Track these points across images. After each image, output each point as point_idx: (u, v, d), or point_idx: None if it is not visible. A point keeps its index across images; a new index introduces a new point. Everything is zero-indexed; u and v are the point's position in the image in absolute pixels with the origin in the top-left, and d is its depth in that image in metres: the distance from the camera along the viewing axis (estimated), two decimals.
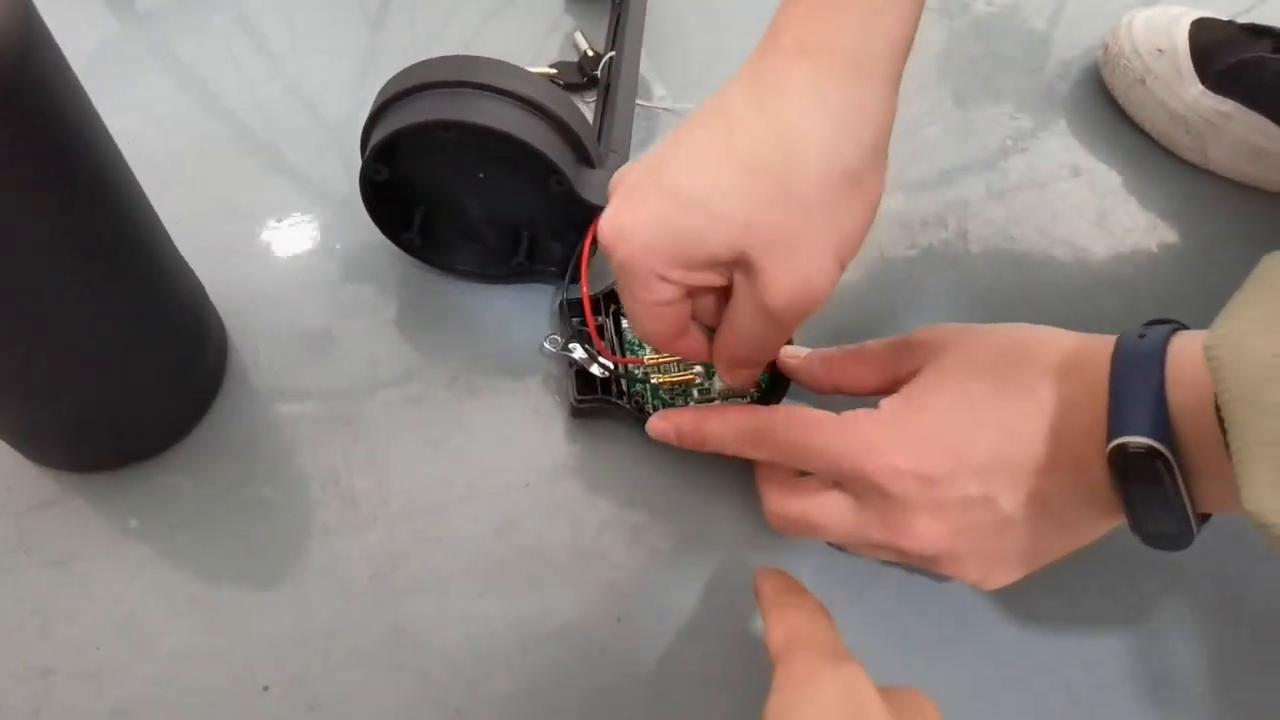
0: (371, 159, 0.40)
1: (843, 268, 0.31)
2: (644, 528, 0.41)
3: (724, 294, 0.34)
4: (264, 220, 0.48)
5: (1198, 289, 0.52)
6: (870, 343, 0.38)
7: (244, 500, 0.40)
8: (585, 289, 0.41)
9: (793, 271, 0.30)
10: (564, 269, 0.45)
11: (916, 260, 0.51)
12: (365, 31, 0.58)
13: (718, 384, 0.41)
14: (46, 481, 0.39)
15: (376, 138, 0.40)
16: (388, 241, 0.45)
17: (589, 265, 0.40)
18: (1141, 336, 0.30)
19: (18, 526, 0.38)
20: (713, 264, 0.31)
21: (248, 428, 0.42)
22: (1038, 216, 0.53)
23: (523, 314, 0.46)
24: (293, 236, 0.48)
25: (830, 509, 0.34)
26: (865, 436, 0.33)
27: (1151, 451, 0.28)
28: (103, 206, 0.32)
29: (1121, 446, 0.28)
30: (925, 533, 0.32)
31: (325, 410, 0.42)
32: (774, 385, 0.42)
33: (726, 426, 0.36)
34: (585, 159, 0.41)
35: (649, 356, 0.42)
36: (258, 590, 0.38)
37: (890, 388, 0.35)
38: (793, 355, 0.40)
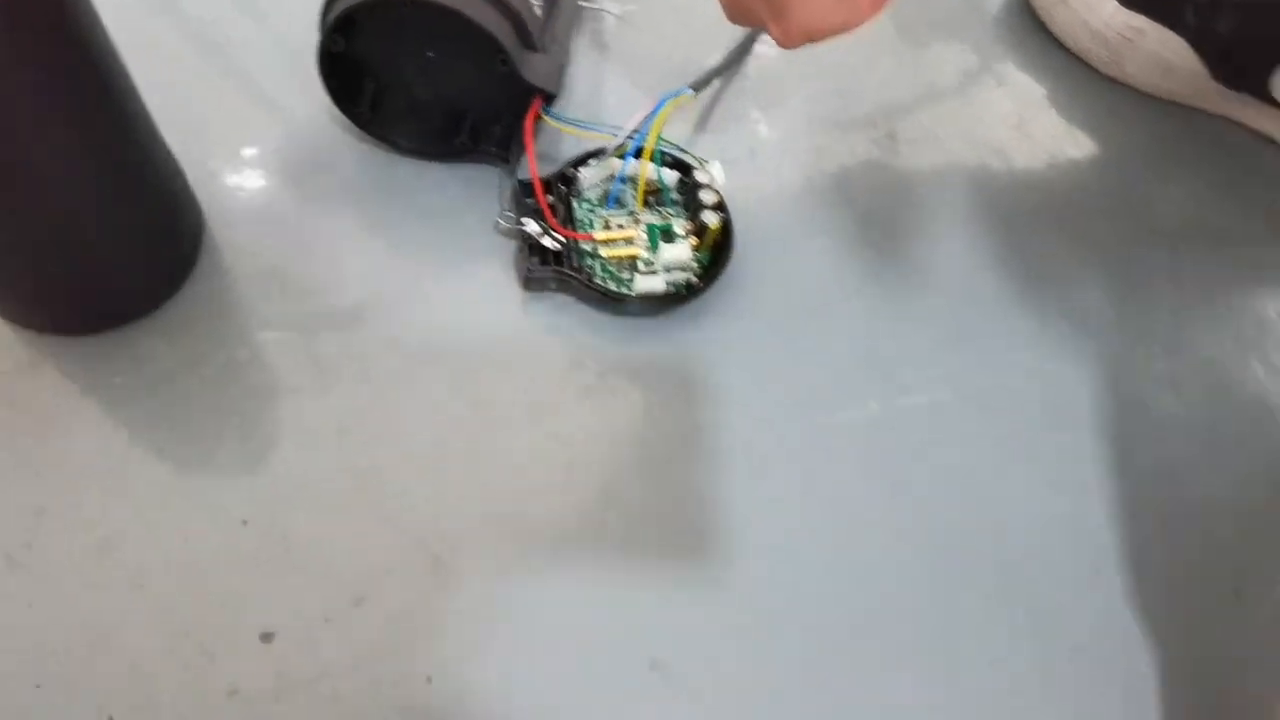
0: (330, 31, 0.43)
1: None
2: (591, 389, 0.44)
3: None
4: (225, 107, 0.51)
5: (1110, 189, 0.56)
6: None
7: (219, 362, 0.43)
8: (533, 166, 0.44)
9: None
10: (504, 149, 0.47)
11: (847, 158, 0.54)
12: None
13: (663, 256, 0.45)
14: (29, 344, 0.42)
15: (336, 11, 0.42)
16: (340, 126, 0.47)
17: (534, 142, 0.43)
18: None
19: (2, 385, 0.41)
20: None
21: (220, 300, 0.44)
22: (962, 121, 0.57)
23: (472, 195, 0.49)
24: (251, 120, 0.50)
25: None
26: None
27: None
28: (91, 65, 0.34)
29: None
30: None
31: (293, 284, 0.45)
32: (714, 261, 0.46)
33: None
34: (529, 43, 0.44)
35: (597, 234, 0.46)
36: (232, 442, 0.41)
37: None
38: None
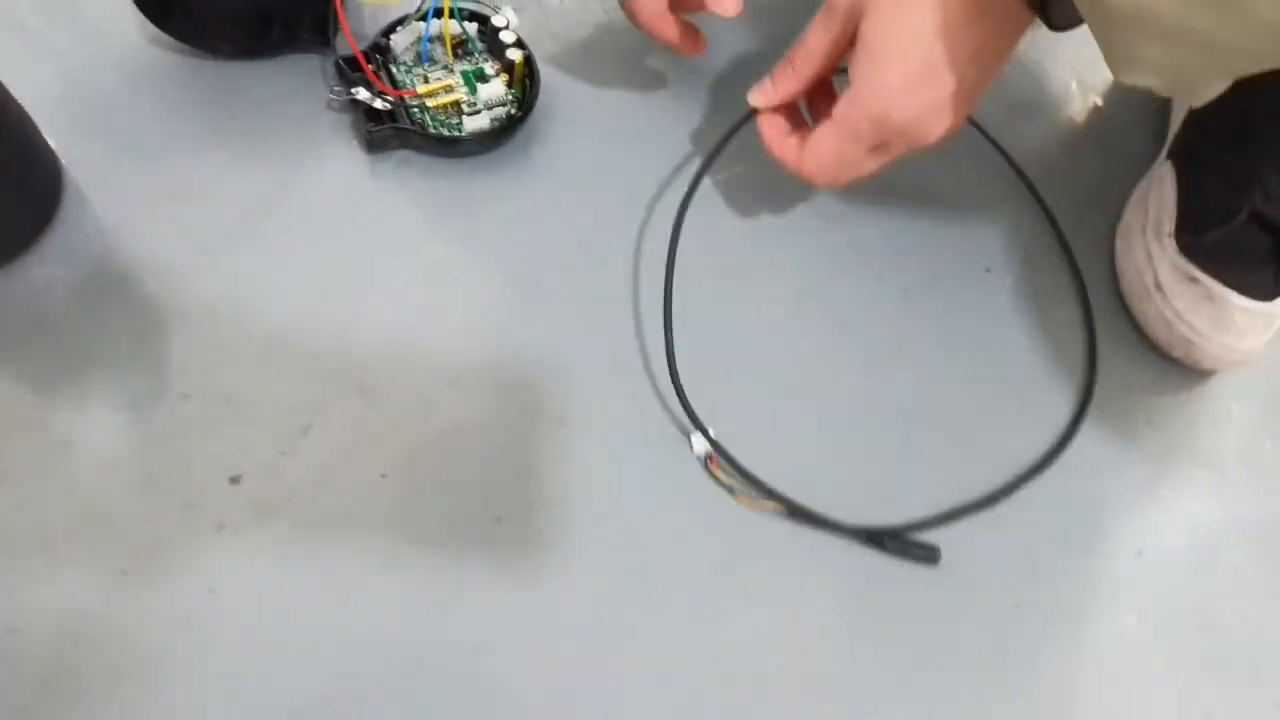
0: None
1: None
2: (447, 216, 0.51)
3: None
4: (48, 48, 0.53)
5: None
6: (801, 38, 0.44)
7: (115, 271, 0.47)
8: (351, 39, 0.49)
9: None
10: (318, 37, 0.52)
11: None
12: None
13: (481, 95, 0.52)
14: None
15: None
16: (161, 46, 0.51)
17: (345, 18, 0.49)
18: None
19: None
20: None
21: (96, 221, 0.49)
22: None
23: (297, 83, 0.54)
24: (77, 54, 0.53)
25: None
26: (877, 103, 0.41)
27: None
28: None
29: None
30: (937, 130, 0.41)
31: (159, 195, 0.50)
32: (526, 91, 0.53)
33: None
34: None
35: (421, 89, 0.52)
36: (151, 330, 0.46)
37: (843, 54, 0.43)
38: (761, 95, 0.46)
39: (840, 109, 0.42)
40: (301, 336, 0.47)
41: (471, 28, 0.54)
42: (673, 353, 0.47)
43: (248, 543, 0.43)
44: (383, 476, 0.45)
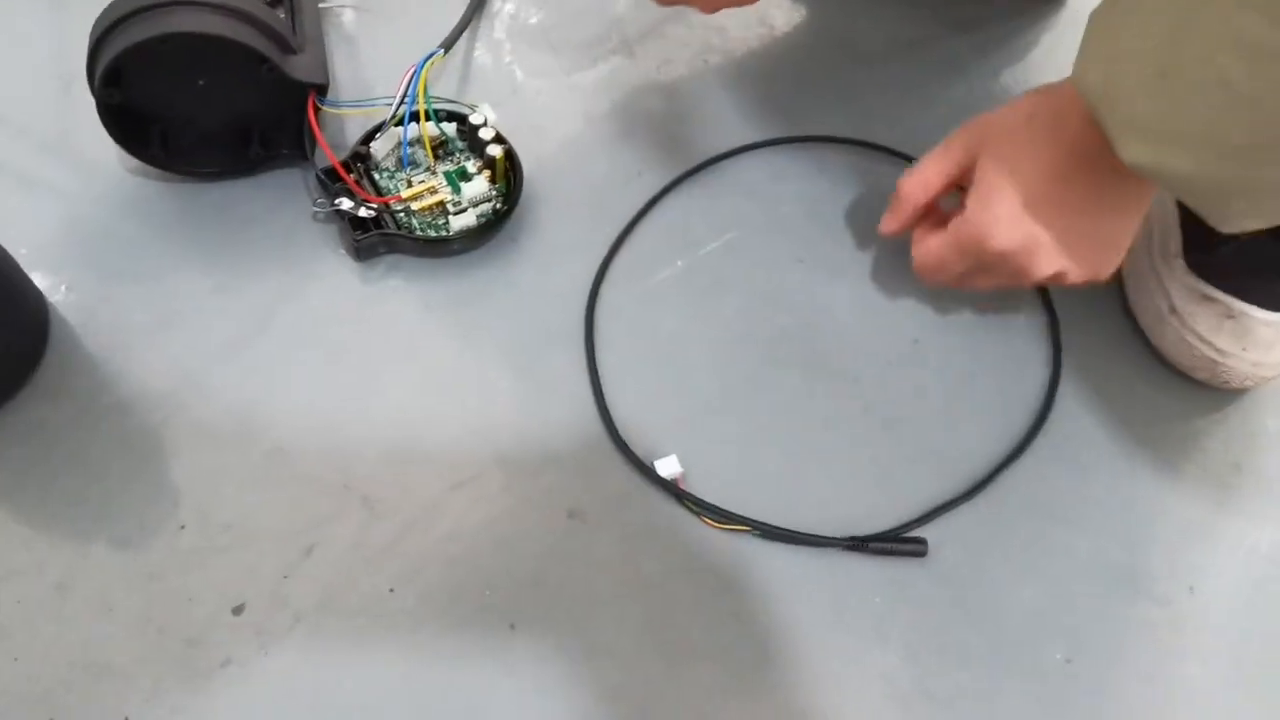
0: (102, 85, 0.46)
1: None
2: (442, 321, 0.50)
3: None
4: (27, 186, 0.53)
5: (817, 32, 0.66)
6: (916, 168, 0.47)
7: (105, 405, 0.47)
8: (328, 152, 0.49)
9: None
10: (297, 149, 0.52)
11: (595, 73, 0.62)
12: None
13: (466, 193, 0.51)
14: None
15: (101, 65, 0.46)
16: (143, 172, 0.51)
17: (319, 130, 0.49)
18: None
19: None
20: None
21: (84, 357, 0.48)
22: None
23: (282, 197, 0.54)
24: (57, 190, 0.53)
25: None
26: (978, 227, 0.43)
27: None
28: None
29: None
30: (1043, 267, 0.44)
31: (148, 323, 0.49)
32: (510, 186, 0.53)
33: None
34: (286, 47, 0.49)
35: (404, 193, 0.52)
36: (144, 463, 0.45)
37: (959, 180, 0.46)
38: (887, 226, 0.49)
39: (953, 224, 0.45)
40: (300, 454, 0.46)
41: (450, 128, 0.54)
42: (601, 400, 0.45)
43: (255, 677, 0.41)
44: (391, 591, 0.43)
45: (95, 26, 0.47)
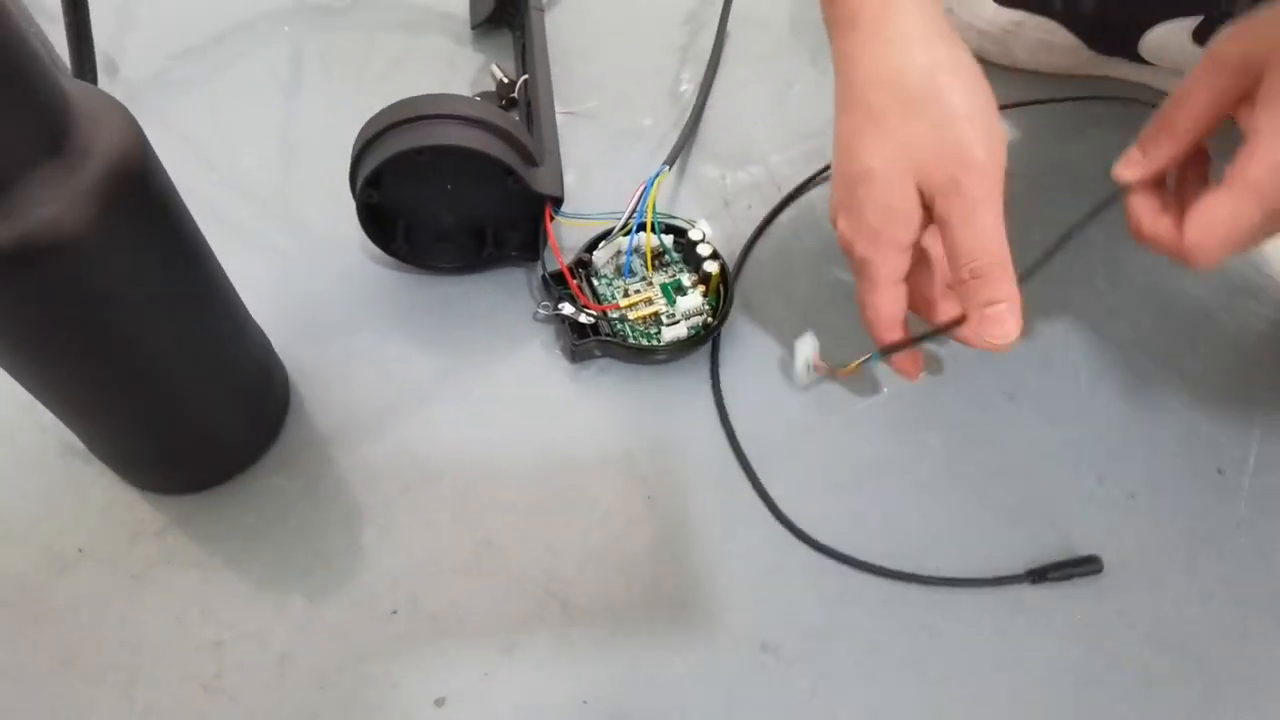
0: (364, 187, 0.50)
1: (997, 139, 0.38)
2: (646, 428, 0.52)
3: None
4: (271, 275, 0.58)
5: (1027, 162, 0.65)
6: (1180, 93, 0.38)
7: (332, 482, 0.49)
8: (560, 259, 0.51)
9: (963, 157, 0.37)
10: (526, 252, 0.55)
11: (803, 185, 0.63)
12: (282, 98, 0.68)
13: (680, 307, 0.53)
14: (167, 507, 0.48)
15: (365, 170, 0.50)
16: (379, 264, 0.55)
17: (554, 238, 0.51)
18: None
19: (159, 544, 0.47)
20: (913, 207, 0.39)
21: (318, 431, 0.51)
22: None
23: (507, 295, 0.56)
24: (301, 277, 0.57)
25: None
26: None
27: None
28: (198, 274, 0.42)
29: None
30: None
31: (378, 403, 0.52)
32: (721, 300, 0.54)
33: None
34: (530, 159, 0.52)
35: (622, 302, 0.53)
36: (365, 543, 0.48)
37: (1229, 112, 0.37)
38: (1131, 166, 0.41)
39: (1239, 168, 0.35)
40: (507, 550, 0.47)
41: (669, 239, 0.56)
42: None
43: None
44: (584, 703, 0.44)
45: (361, 134, 0.51)
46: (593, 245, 0.55)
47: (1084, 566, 0.47)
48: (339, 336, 0.55)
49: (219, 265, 0.44)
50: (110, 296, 0.37)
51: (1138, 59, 0.67)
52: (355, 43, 0.71)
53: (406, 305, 0.56)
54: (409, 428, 0.51)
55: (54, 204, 0.33)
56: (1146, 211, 0.40)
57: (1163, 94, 0.69)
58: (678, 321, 0.53)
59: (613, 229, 0.54)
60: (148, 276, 0.38)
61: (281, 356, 0.53)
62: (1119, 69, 0.70)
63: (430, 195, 0.53)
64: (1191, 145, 0.39)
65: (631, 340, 0.53)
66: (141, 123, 0.37)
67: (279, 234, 0.60)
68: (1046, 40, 0.69)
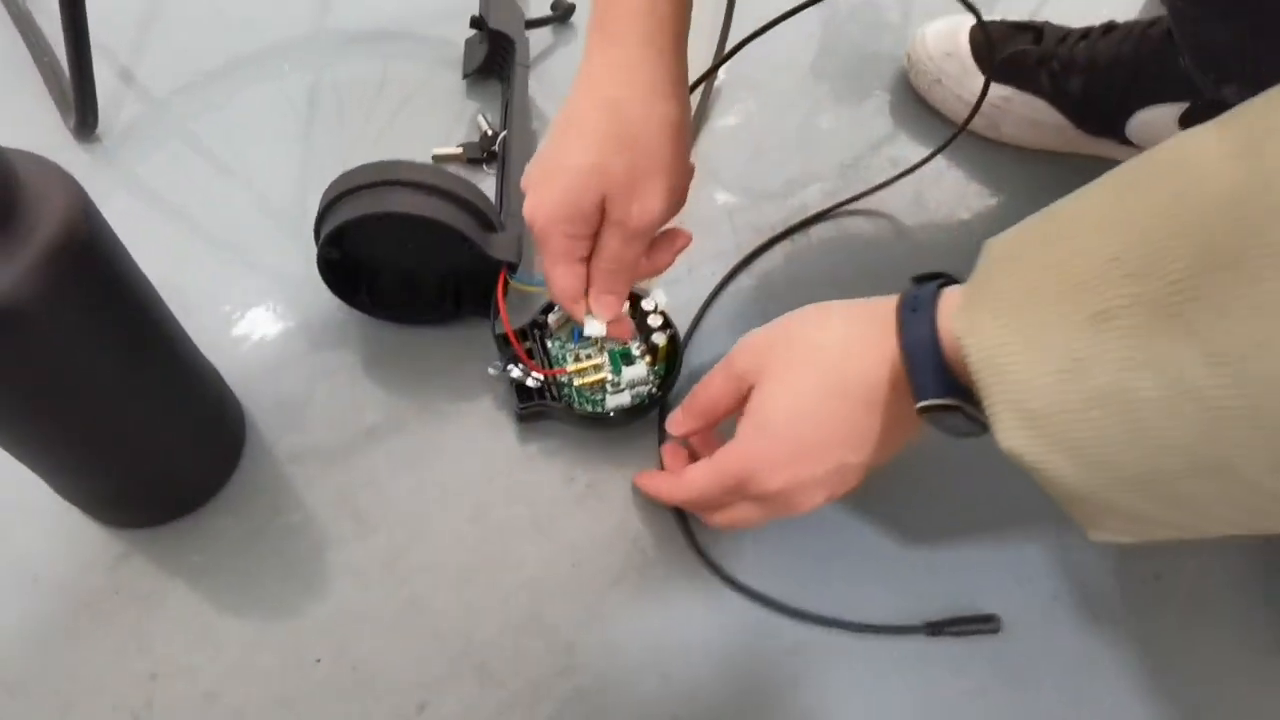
0: (325, 244, 0.52)
1: (674, 194, 0.46)
2: (583, 496, 0.53)
3: None
4: (244, 307, 0.60)
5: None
6: (706, 380, 0.47)
7: (277, 528, 0.52)
8: (507, 324, 0.53)
9: (635, 199, 0.44)
10: (485, 308, 0.57)
11: (769, 257, 0.64)
12: (296, 128, 0.70)
13: (625, 376, 0.54)
14: (121, 539, 0.51)
15: (327, 229, 0.52)
16: (344, 308, 0.57)
17: (505, 303, 0.53)
18: (914, 310, 0.40)
19: (110, 576, 0.50)
20: (592, 212, 0.45)
21: (269, 475, 0.53)
22: (864, 202, 0.66)
23: (465, 349, 0.58)
24: (270, 316, 0.60)
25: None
26: (744, 466, 0.44)
27: (944, 405, 0.39)
28: (148, 329, 0.44)
29: (925, 407, 0.39)
30: (806, 504, 0.44)
31: (326, 450, 0.54)
32: (668, 371, 0.55)
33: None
34: (489, 225, 0.53)
35: (570, 367, 0.55)
36: (299, 591, 0.50)
37: (741, 404, 0.46)
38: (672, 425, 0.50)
39: (718, 456, 0.45)
40: (433, 610, 0.49)
41: (625, 306, 0.57)
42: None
43: None
44: None
45: (326, 193, 0.53)
46: (548, 308, 0.57)
47: (982, 624, 0.50)
48: (300, 378, 0.57)
49: (168, 314, 0.47)
50: (59, 358, 0.39)
51: (1125, 141, 0.67)
52: (364, 79, 0.73)
53: (369, 352, 0.58)
54: (354, 475, 0.53)
55: (1, 278, 0.36)
56: (671, 459, 0.52)
57: None
58: (622, 390, 0.54)
59: None
60: (96, 337, 0.41)
61: (241, 395, 0.55)
62: (1106, 149, 0.69)
63: (392, 254, 0.54)
64: (710, 425, 0.49)
65: (576, 405, 0.54)
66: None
67: (257, 269, 0.62)
68: (1034, 118, 0.68)
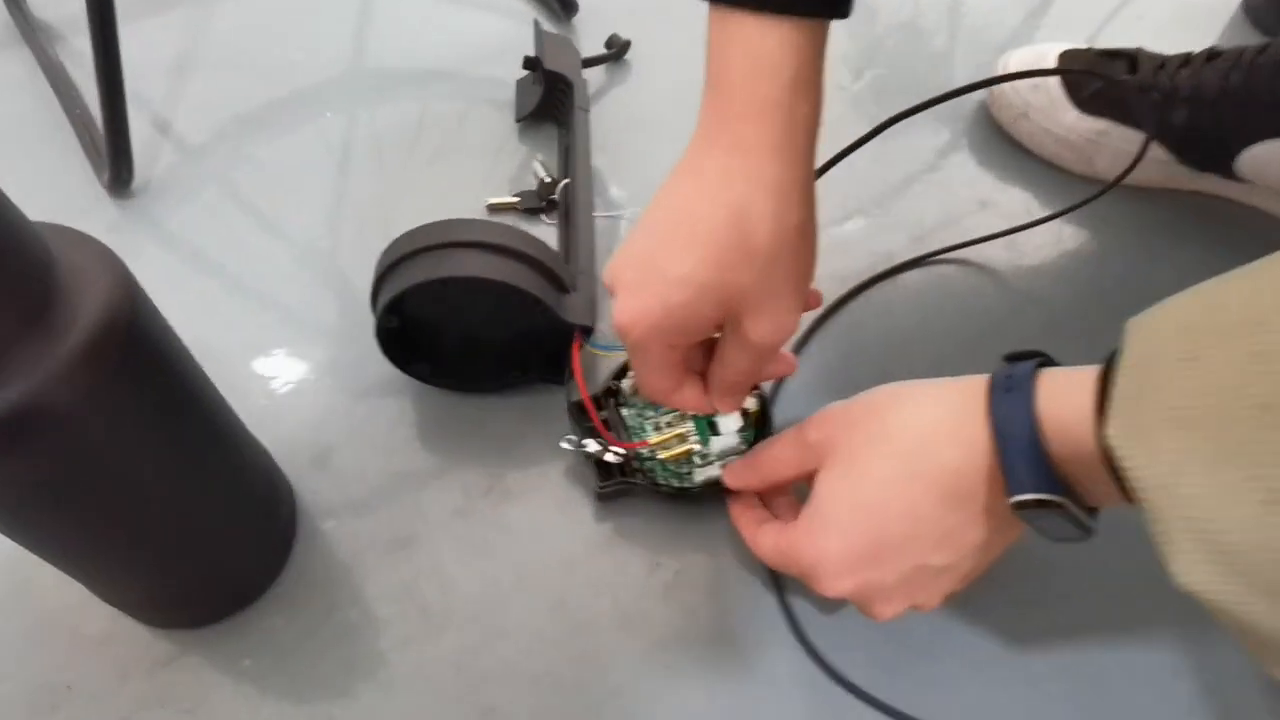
0: (384, 313, 0.47)
1: (802, 298, 0.40)
2: (673, 585, 0.48)
3: (710, 345, 0.42)
4: (289, 372, 0.55)
5: (1114, 284, 0.60)
6: (774, 441, 0.44)
7: (333, 627, 0.46)
8: (585, 394, 0.48)
9: (767, 316, 0.38)
10: (554, 373, 0.52)
11: (856, 307, 0.59)
12: (334, 175, 0.66)
13: (715, 447, 0.49)
14: (166, 642, 0.46)
15: (386, 296, 0.47)
16: (399, 374, 0.52)
17: (580, 370, 0.48)
18: (1008, 390, 0.35)
19: (150, 683, 0.45)
20: (705, 323, 0.38)
21: (324, 565, 0.48)
22: (957, 252, 0.61)
23: (531, 417, 0.53)
24: (317, 383, 0.55)
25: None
26: (806, 563, 0.40)
27: (1043, 501, 0.34)
28: (194, 414, 0.39)
29: (1020, 502, 0.35)
30: (883, 613, 0.40)
31: (386, 536, 0.49)
32: (758, 436, 0.50)
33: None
34: (560, 286, 0.49)
35: (652, 439, 0.50)
36: (360, 701, 0.45)
37: (807, 476, 0.42)
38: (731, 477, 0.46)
39: (784, 537, 0.42)
40: None
41: None
42: None
43: None
44: None
45: (384, 256, 0.48)
46: (621, 373, 0.52)
47: None
48: (352, 454, 0.52)
49: (213, 393, 0.42)
50: (99, 457, 0.35)
51: (1232, 176, 0.62)
52: (403, 126, 0.69)
53: (426, 423, 0.53)
54: (417, 566, 0.48)
55: (37, 375, 0.31)
56: (739, 509, 0.47)
57: (1258, 211, 0.64)
58: (712, 461, 0.49)
59: None
60: (140, 430, 0.36)
61: (291, 476, 0.50)
62: (1211, 184, 0.64)
63: (455, 321, 0.50)
64: (771, 486, 0.45)
65: (661, 480, 0.49)
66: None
67: (305, 335, 0.57)
68: (1132, 153, 0.63)
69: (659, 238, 0.38)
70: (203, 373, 0.41)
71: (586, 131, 0.62)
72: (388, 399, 0.54)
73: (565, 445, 0.50)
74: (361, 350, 0.54)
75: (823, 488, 0.40)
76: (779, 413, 0.53)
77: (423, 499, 0.51)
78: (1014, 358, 0.38)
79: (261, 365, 0.56)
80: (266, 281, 0.60)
